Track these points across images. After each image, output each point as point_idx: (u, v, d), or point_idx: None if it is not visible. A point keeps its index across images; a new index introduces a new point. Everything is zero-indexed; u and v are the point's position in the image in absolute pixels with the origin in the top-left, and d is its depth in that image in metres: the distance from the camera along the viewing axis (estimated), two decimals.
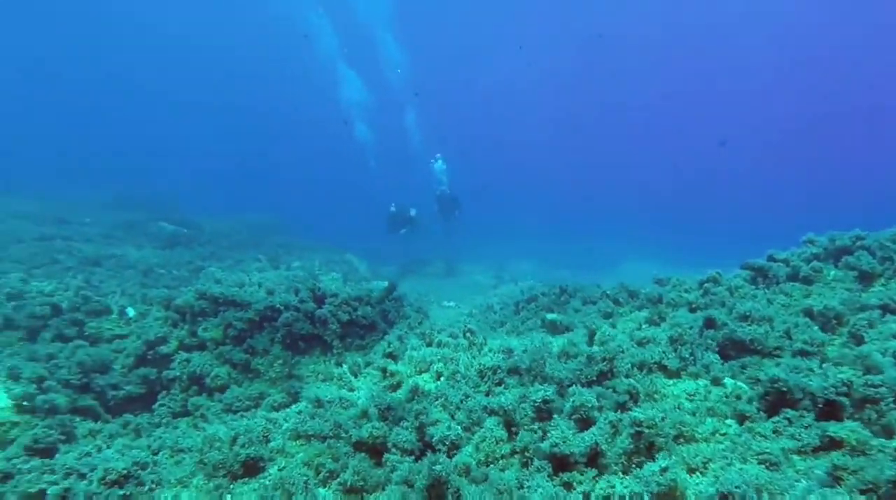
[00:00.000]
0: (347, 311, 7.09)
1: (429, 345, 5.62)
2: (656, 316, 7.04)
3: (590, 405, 3.66)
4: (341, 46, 30.38)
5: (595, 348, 5.55)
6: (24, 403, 5.01)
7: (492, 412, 3.86)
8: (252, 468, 3.80)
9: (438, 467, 2.87)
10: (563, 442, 3.25)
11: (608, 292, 8.27)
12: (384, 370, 4.93)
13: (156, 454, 4.13)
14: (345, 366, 5.83)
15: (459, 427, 3.76)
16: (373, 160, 30.39)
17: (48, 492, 3.07)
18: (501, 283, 20.09)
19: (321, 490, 3.67)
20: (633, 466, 3.44)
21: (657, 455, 3.37)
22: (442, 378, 4.74)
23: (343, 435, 4.10)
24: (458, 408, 4.02)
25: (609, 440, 3.50)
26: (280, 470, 3.84)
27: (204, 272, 13.49)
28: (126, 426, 5.36)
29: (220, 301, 6.81)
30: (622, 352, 4.87)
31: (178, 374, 6.16)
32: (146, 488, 3.15)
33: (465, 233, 25.05)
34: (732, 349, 5.39)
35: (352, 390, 5.47)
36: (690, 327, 5.85)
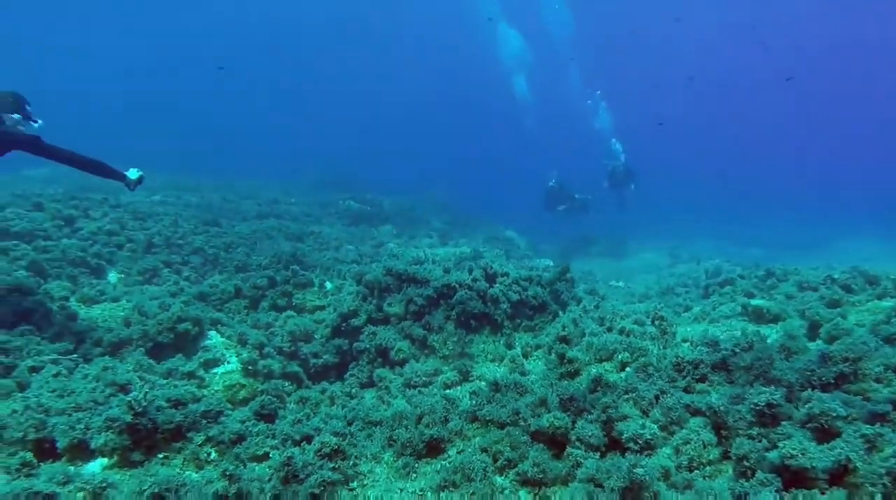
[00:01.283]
0: (517, 291, 6.96)
1: (609, 331, 5.17)
2: None
3: (834, 414, 2.93)
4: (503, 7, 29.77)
5: (820, 343, 4.56)
6: (249, 367, 5.91)
7: (696, 412, 3.34)
8: (434, 448, 3.88)
9: (640, 470, 2.53)
10: (802, 454, 2.64)
11: (835, 277, 6.75)
12: (562, 357, 4.65)
13: (350, 424, 4.50)
14: (517, 347, 5.70)
15: (655, 426, 3.33)
16: (530, 119, 29.37)
17: (272, 456, 3.47)
18: (678, 262, 18.23)
19: (498, 478, 3.59)
20: None
21: None
22: (628, 369, 4.30)
23: (521, 423, 3.96)
24: (653, 404, 3.57)
25: (864, 456, 2.77)
26: (458, 453, 3.86)
27: (384, 248, 14.72)
28: (323, 392, 5.99)
29: (404, 278, 7.22)
30: (870, 351, 3.87)
31: (366, 346, 6.70)
32: (350, 462, 3.39)
33: (634, 208, 23.06)
34: None
35: (523, 374, 5.33)
36: None
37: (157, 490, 2.91)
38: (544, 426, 3.68)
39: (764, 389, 3.10)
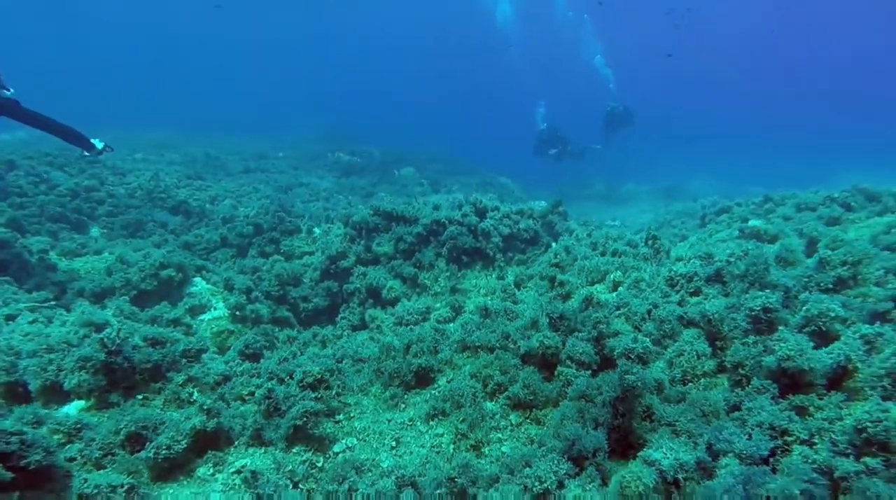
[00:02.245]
0: (509, 224, 6.77)
1: (602, 254, 5.02)
2: None
3: (832, 315, 2.80)
4: None
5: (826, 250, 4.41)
6: (237, 312, 5.78)
7: (689, 323, 3.23)
8: (423, 378, 3.78)
9: (631, 377, 2.41)
10: (799, 355, 2.52)
11: (835, 196, 6.56)
12: (552, 280, 4.51)
13: (339, 361, 4.41)
14: (509, 277, 5.57)
15: (648, 340, 3.22)
16: (513, 47, 27.81)
17: (256, 393, 3.36)
18: (674, 201, 18.06)
19: (488, 404, 3.51)
20: None
21: None
22: (621, 288, 4.17)
23: (511, 346, 3.87)
24: (645, 319, 3.45)
25: (864, 357, 2.66)
26: (448, 382, 3.78)
27: (374, 197, 14.45)
28: (315, 336, 5.91)
29: (392, 216, 7.02)
30: (868, 256, 3.73)
31: (356, 287, 6.58)
32: (333, 392, 3.29)
33: (629, 149, 22.49)
34: None
35: (515, 302, 5.22)
36: None
37: (133, 429, 2.82)
38: (534, 346, 3.57)
39: (759, 293, 2.96)
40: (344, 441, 3.17)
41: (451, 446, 3.36)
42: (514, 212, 6.98)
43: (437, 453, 3.33)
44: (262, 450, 2.92)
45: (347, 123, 28.06)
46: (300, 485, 2.74)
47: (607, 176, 22.40)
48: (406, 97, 49.47)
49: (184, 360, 3.64)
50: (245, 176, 15.01)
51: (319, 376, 3.17)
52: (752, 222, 6.07)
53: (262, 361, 4.31)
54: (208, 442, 2.85)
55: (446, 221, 6.71)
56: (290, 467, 2.77)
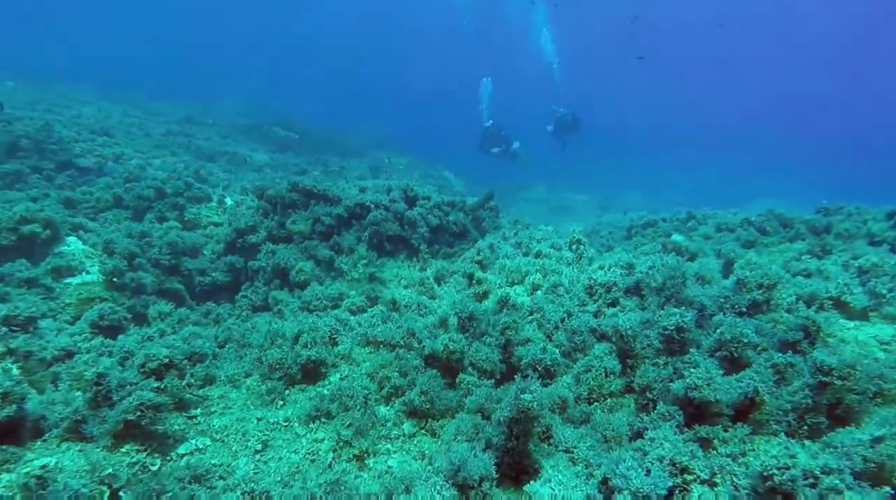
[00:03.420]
0: (438, 215, 6.39)
1: (525, 255, 4.74)
2: (818, 249, 5.55)
3: (745, 341, 2.62)
4: None
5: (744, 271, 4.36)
6: (114, 279, 5.01)
7: (602, 337, 2.97)
8: (312, 372, 3.31)
9: (528, 396, 2.08)
10: (707, 385, 2.30)
11: (752, 219, 6.71)
12: (470, 277, 4.17)
13: (222, 346, 3.84)
14: (429, 271, 5.19)
15: (557, 351, 2.93)
16: (467, 20, 27.14)
17: (87, 375, 2.76)
18: (607, 212, 18.48)
19: (382, 408, 3.10)
20: (805, 427, 2.43)
21: (852, 418, 2.32)
22: (539, 292, 3.89)
23: (415, 345, 3.48)
24: (558, 328, 3.17)
25: (773, 388, 2.49)
26: (341, 379, 3.33)
27: (307, 175, 13.63)
28: (207, 315, 5.26)
29: (313, 194, 6.44)
30: (782, 281, 3.66)
31: (263, 264, 5.96)
32: (184, 382, 2.75)
33: (571, 158, 22.80)
34: None
35: (433, 297, 4.85)
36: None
37: None
38: (438, 349, 3.20)
39: (674, 311, 2.75)
40: (194, 441, 2.65)
41: (331, 454, 2.93)
42: (446, 203, 6.60)
43: (312, 461, 2.88)
44: (79, 447, 2.35)
45: (290, 102, 26.63)
46: (121, 493, 2.21)
47: (550, 181, 22.62)
48: (360, 86, 47.88)
49: (5, 328, 2.95)
50: (165, 138, 13.66)
51: (167, 362, 2.62)
52: (674, 237, 6.07)
53: (120, 337, 3.66)
54: (3, 434, 2.24)
55: (371, 205, 6.22)
56: (111, 470, 2.23)
